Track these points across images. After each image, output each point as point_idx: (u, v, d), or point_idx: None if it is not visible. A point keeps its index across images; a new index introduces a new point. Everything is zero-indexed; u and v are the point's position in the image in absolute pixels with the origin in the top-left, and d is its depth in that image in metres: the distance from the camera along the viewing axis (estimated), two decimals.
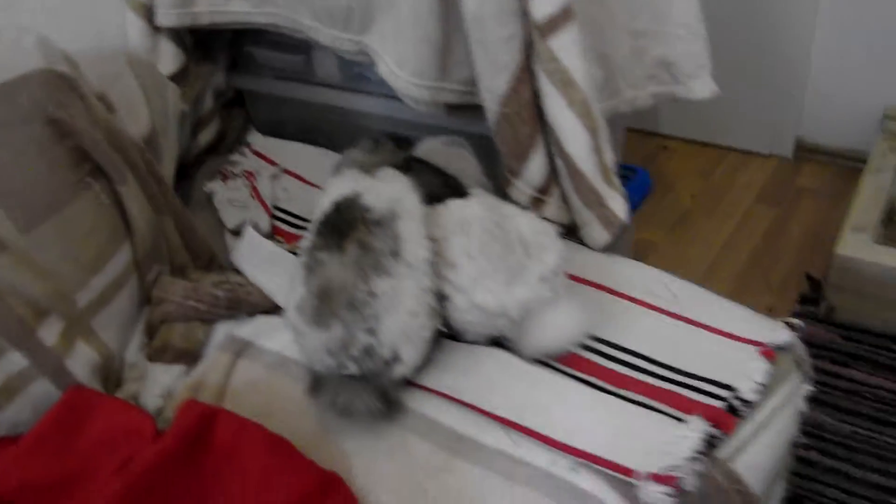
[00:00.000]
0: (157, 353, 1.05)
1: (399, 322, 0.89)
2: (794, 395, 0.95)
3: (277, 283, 1.10)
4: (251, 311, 1.10)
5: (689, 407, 0.88)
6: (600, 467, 0.83)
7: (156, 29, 1.35)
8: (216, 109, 1.49)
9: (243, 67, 1.52)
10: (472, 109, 1.15)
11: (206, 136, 1.46)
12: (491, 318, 0.94)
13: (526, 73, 1.05)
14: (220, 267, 1.19)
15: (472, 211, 0.97)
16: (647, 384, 0.92)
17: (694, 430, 0.84)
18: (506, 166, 1.12)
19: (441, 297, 0.94)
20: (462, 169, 1.12)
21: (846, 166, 2.11)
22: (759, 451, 0.88)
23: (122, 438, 0.88)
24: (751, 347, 0.95)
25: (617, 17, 1.16)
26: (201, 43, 1.44)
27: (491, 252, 0.93)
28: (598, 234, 1.12)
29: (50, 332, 0.94)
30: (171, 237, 1.13)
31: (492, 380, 0.93)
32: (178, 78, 1.38)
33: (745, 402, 0.89)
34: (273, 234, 1.29)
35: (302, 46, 1.36)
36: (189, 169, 1.41)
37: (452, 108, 1.18)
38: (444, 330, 0.97)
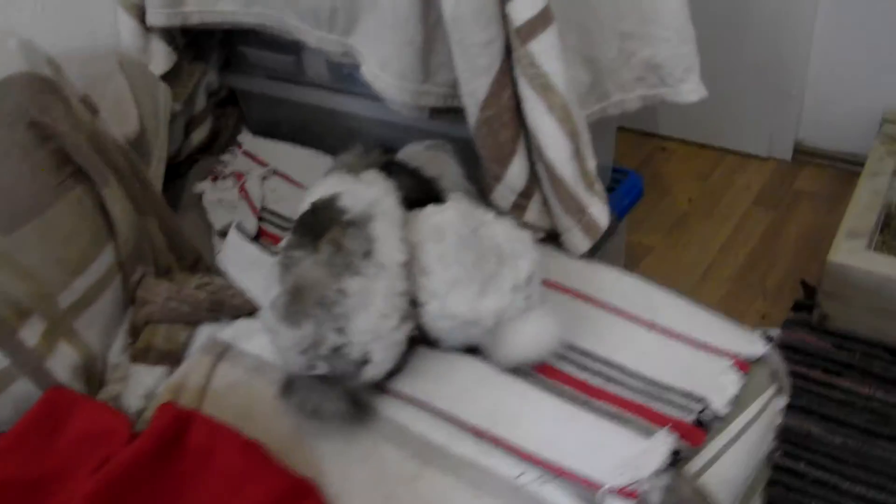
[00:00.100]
0: (141, 355, 1.06)
1: (369, 322, 0.89)
2: (768, 407, 0.95)
3: (260, 285, 1.10)
4: (234, 313, 1.10)
5: (660, 419, 0.88)
6: (568, 480, 0.83)
7: (148, 29, 1.36)
8: (209, 109, 1.49)
9: (236, 67, 1.51)
10: (455, 113, 1.14)
11: (199, 135, 1.46)
12: (464, 325, 0.94)
13: (507, 77, 1.04)
14: (206, 269, 1.19)
15: (447, 217, 0.97)
16: (618, 396, 0.92)
17: (661, 444, 0.83)
18: (487, 170, 1.11)
19: (416, 303, 0.94)
20: (443, 173, 1.12)
21: (845, 169, 2.09)
22: (731, 465, 0.88)
23: (99, 439, 0.89)
24: (724, 360, 0.94)
25: (604, 19, 1.15)
26: (194, 42, 1.44)
27: (465, 259, 0.93)
28: (578, 240, 1.11)
29: (32, 333, 0.95)
30: (155, 238, 1.13)
31: (465, 388, 0.94)
32: (171, 77, 1.38)
33: (715, 414, 0.89)
34: (259, 236, 1.29)
35: (292, 47, 1.36)
36: (182, 168, 1.42)
37: (436, 112, 1.18)
38: (420, 336, 0.97)
